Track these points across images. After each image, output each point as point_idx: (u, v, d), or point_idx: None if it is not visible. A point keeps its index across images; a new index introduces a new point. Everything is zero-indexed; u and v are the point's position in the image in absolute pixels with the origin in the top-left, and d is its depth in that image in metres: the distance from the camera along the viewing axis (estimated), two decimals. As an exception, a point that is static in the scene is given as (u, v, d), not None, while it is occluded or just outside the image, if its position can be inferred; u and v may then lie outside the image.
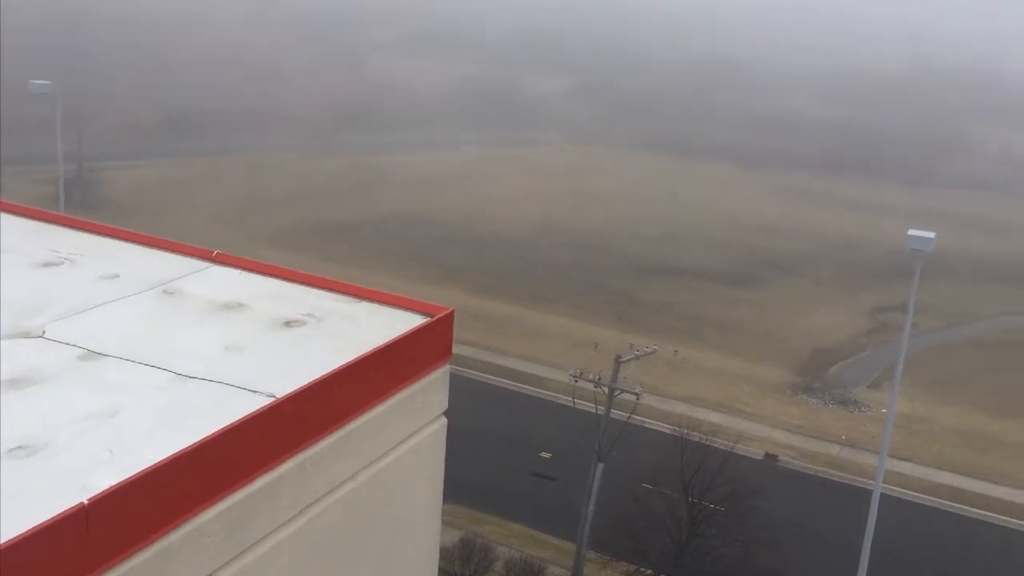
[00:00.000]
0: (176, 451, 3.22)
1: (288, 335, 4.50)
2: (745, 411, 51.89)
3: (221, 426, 3.41)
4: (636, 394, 36.12)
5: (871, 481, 32.14)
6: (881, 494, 29.20)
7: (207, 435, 3.34)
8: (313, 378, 3.90)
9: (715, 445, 37.93)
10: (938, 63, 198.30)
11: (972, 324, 67.31)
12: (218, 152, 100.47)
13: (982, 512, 44.12)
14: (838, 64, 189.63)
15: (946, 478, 46.80)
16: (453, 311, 4.94)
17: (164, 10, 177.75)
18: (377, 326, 4.64)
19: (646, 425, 44.51)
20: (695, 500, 35.60)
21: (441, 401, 4.90)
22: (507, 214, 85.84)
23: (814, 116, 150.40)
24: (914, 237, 35.46)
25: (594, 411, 36.80)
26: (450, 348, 4.92)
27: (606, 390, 37.03)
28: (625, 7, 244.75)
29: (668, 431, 41.95)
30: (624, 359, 37.57)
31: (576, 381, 37.67)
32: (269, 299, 4.91)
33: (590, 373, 37.63)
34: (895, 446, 42.81)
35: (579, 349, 53.85)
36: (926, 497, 45.03)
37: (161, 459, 3.16)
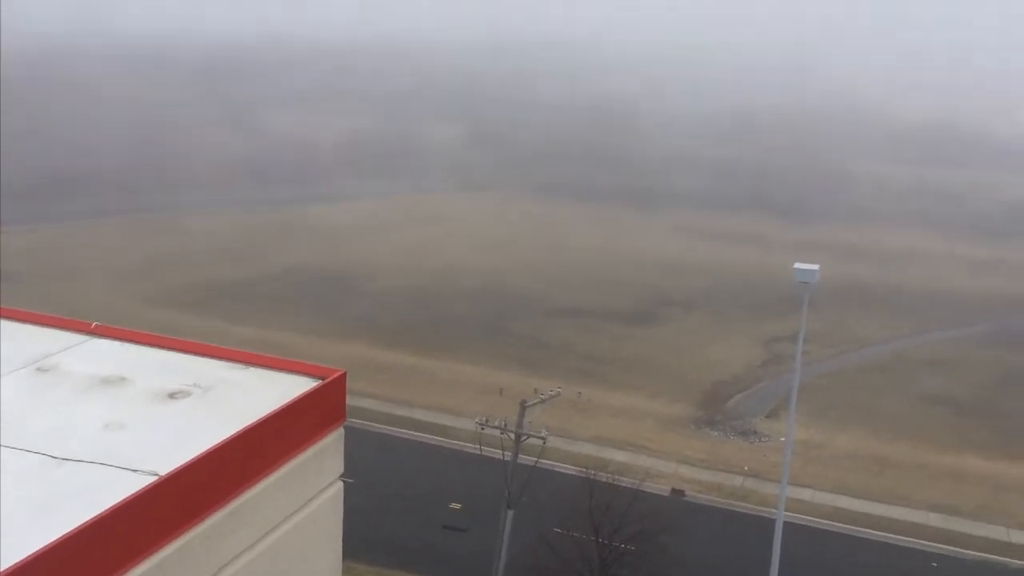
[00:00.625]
0: (47, 543, 3.05)
1: (172, 408, 4.35)
2: (650, 448, 52.53)
3: (98, 511, 3.25)
4: (542, 438, 36.17)
5: (775, 510, 32.89)
6: (785, 522, 29.92)
7: (82, 522, 3.17)
8: (199, 452, 3.77)
9: (622, 484, 38.22)
10: (820, 99, 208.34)
11: (861, 350, 70.01)
12: (108, 213, 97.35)
13: (881, 534, 45.56)
14: (725, 103, 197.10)
15: (844, 502, 48.23)
16: (345, 373, 4.87)
17: (50, 73, 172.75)
18: (266, 393, 4.54)
19: (555, 468, 44.60)
20: (605, 541, 35.69)
21: (336, 465, 4.81)
22: (408, 264, 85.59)
23: (705, 155, 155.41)
24: (800, 270, 36.87)
25: (502, 457, 36.68)
26: (343, 410, 4.84)
27: (512, 436, 36.98)
28: (516, 55, 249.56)
29: (576, 473, 42.09)
30: (529, 403, 37.65)
31: (482, 428, 37.50)
32: (152, 371, 4.75)
33: (496, 420, 37.54)
34: (795, 473, 44.04)
35: (485, 396, 53.78)
36: (827, 522, 46.27)
37: (30, 553, 2.98)
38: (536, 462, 36.59)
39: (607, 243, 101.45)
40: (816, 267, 35.58)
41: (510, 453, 36.67)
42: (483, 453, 39.12)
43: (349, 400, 4.99)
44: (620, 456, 49.96)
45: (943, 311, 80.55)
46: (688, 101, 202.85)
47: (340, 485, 4.83)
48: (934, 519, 46.95)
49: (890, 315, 78.60)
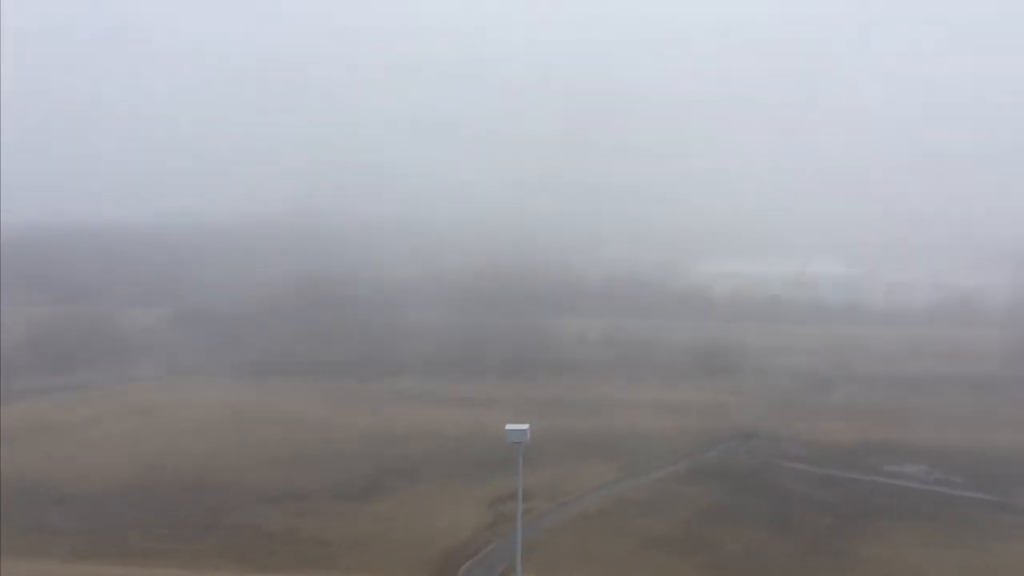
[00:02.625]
0: None
1: None
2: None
3: None
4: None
5: None
6: None
7: None
8: None
9: None
10: (527, 259, 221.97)
11: (581, 499, 72.55)
12: None
13: None
14: (433, 269, 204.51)
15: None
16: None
17: None
18: None
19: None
20: None
21: None
22: (109, 461, 78.44)
23: (419, 322, 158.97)
24: (511, 431, 38.21)
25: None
26: None
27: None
28: (224, 233, 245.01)
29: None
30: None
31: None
32: None
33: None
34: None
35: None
36: None
37: None
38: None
39: (328, 418, 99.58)
40: (526, 426, 37.05)
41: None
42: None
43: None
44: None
45: (648, 452, 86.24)
46: (404, 268, 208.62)
47: None
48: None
49: (602, 461, 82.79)
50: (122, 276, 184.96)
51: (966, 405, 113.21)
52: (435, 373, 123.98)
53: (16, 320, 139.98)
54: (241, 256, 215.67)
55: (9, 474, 73.52)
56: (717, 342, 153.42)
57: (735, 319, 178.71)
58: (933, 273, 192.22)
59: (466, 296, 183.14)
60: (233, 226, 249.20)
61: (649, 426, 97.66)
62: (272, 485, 73.01)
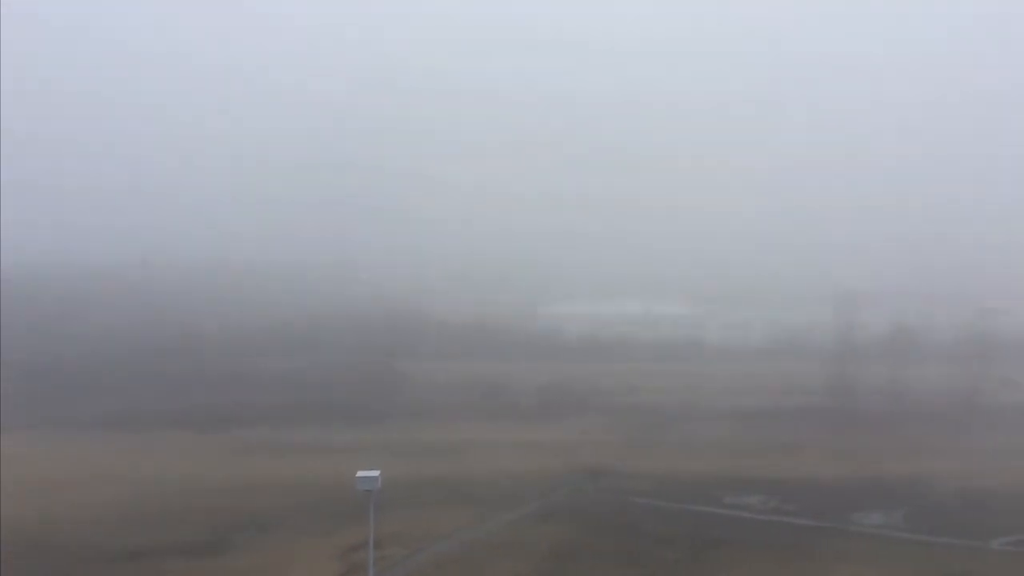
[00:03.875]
0: None
1: None
2: None
3: None
4: None
5: None
6: None
7: None
8: None
9: None
10: (362, 304, 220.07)
11: (435, 545, 72.27)
12: None
13: None
14: (269, 319, 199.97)
15: None
16: None
17: None
18: None
19: None
20: None
21: None
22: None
23: (267, 368, 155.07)
24: (362, 478, 38.23)
25: None
26: None
27: None
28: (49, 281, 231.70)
29: None
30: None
31: None
32: None
33: None
34: None
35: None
36: None
37: None
38: None
39: (171, 471, 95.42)
40: (377, 473, 37.13)
41: None
42: None
43: None
44: None
45: (502, 494, 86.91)
46: (251, 313, 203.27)
47: None
48: None
49: (457, 505, 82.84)
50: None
51: (798, 436, 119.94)
52: (284, 421, 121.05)
53: None
54: (82, 303, 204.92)
55: None
56: (567, 382, 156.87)
57: (585, 359, 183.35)
58: (766, 311, 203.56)
59: (315, 341, 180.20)
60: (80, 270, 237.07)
61: (502, 468, 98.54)
62: (109, 546, 69.15)
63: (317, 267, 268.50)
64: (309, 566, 65.57)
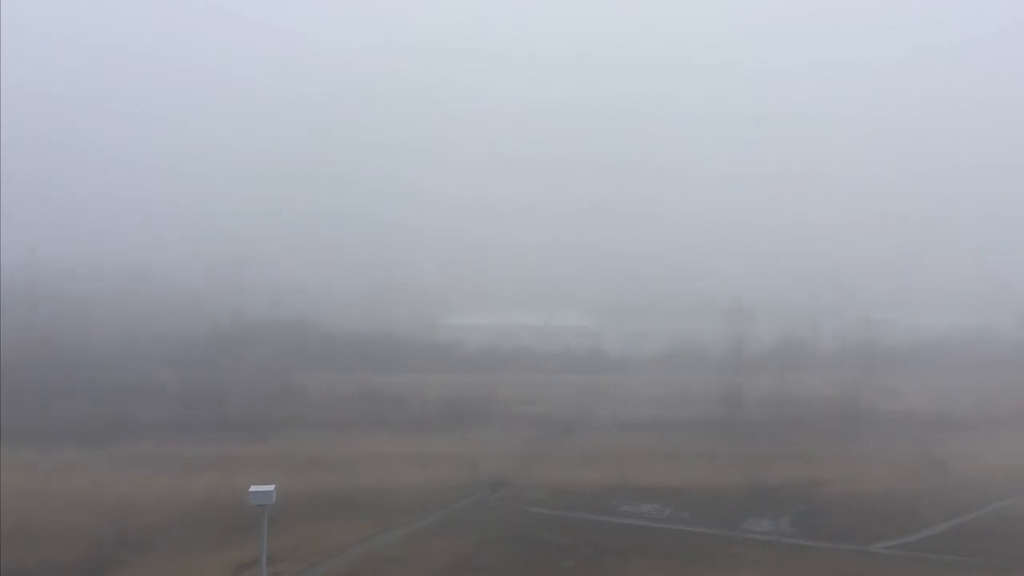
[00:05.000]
0: None
1: None
2: None
3: None
4: None
5: None
6: None
7: None
8: None
9: None
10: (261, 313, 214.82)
11: (331, 559, 70.97)
12: None
13: None
14: (167, 328, 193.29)
15: None
16: None
17: None
18: None
19: None
20: None
21: None
22: None
23: (155, 380, 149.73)
24: (255, 492, 37.13)
25: None
26: None
27: None
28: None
29: None
30: None
31: None
32: None
33: None
34: None
35: None
36: None
37: None
38: None
39: (53, 487, 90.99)
40: (271, 487, 36.12)
41: None
42: None
43: None
44: None
45: (400, 507, 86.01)
46: (138, 322, 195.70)
47: None
48: None
49: (354, 518, 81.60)
50: None
51: (692, 445, 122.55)
52: (173, 435, 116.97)
53: None
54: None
55: None
56: (467, 394, 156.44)
57: (485, 370, 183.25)
58: (663, 323, 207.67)
59: (206, 352, 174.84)
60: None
61: (401, 480, 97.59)
62: (-18, 568, 65.40)
63: (214, 274, 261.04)
64: (198, 584, 63.58)
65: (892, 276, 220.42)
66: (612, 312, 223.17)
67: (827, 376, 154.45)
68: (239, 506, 64.22)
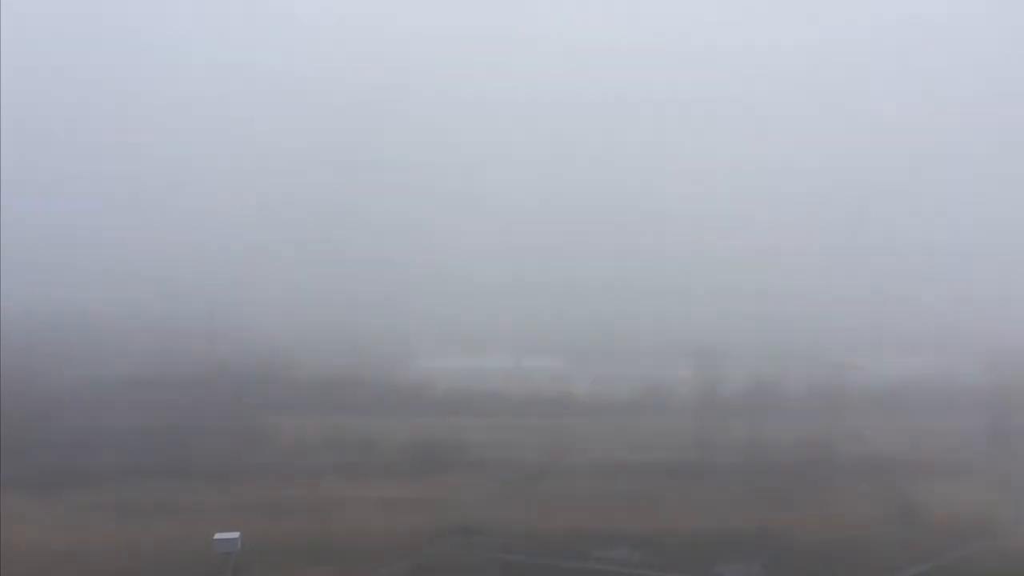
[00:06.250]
0: None
1: None
2: None
3: None
4: None
5: None
6: None
7: None
8: None
9: None
10: (227, 357, 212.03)
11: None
12: None
13: None
14: (129, 369, 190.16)
15: None
16: None
17: None
18: None
19: None
20: None
21: None
22: None
23: (117, 425, 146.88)
24: (220, 540, 36.08)
25: None
26: None
27: None
28: None
29: None
30: None
31: None
32: None
33: None
34: None
35: None
36: None
37: None
38: None
39: (7, 537, 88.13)
40: (237, 535, 35.09)
41: None
42: None
43: None
44: None
45: (369, 553, 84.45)
46: (101, 365, 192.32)
47: None
48: None
49: (322, 565, 79.94)
50: None
51: (664, 489, 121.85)
52: (134, 481, 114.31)
53: None
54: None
55: None
56: (438, 437, 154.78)
57: (456, 414, 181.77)
58: (633, 367, 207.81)
59: (174, 395, 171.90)
60: None
61: (370, 525, 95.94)
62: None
63: (180, 316, 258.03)
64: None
65: (861, 320, 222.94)
66: (583, 355, 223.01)
67: (797, 420, 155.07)
68: (204, 554, 62.67)
